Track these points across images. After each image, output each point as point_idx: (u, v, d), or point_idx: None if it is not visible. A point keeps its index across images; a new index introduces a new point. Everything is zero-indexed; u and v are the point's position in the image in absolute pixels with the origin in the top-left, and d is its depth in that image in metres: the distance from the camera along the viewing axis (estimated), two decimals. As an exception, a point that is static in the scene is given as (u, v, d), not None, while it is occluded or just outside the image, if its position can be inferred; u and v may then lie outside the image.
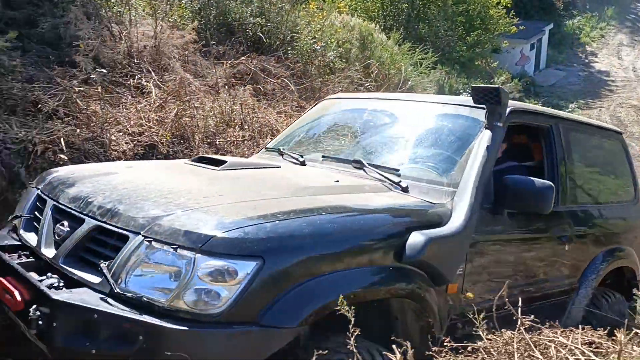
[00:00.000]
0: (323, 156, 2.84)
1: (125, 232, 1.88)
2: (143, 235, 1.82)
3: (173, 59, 5.39)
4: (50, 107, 3.86)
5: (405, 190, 2.42)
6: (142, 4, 6.03)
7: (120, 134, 4.07)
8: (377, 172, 2.53)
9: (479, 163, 2.44)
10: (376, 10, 13.64)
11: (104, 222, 1.97)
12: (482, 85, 2.76)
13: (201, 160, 2.69)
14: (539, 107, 3.40)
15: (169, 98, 4.71)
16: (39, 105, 3.87)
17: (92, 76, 4.23)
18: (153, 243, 1.78)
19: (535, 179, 2.46)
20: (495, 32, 16.12)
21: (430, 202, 2.34)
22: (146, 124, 4.28)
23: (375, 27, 9.50)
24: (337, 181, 2.45)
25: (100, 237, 1.98)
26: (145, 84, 4.82)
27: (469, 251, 2.35)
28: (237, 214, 1.85)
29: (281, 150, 3.00)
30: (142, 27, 5.50)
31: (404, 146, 2.82)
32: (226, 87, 5.46)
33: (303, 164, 2.79)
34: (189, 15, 6.50)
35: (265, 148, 3.35)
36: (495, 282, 2.52)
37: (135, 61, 5.04)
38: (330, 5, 9.37)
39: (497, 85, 2.58)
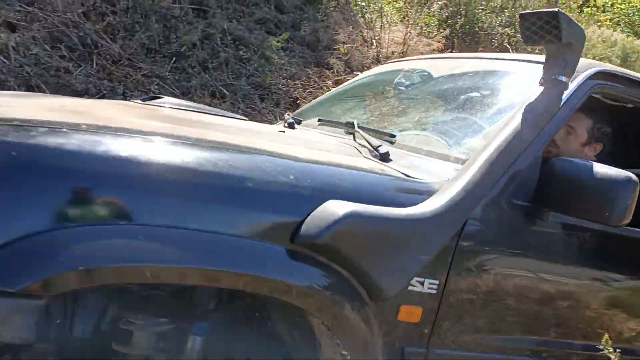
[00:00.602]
0: (319, 119, 2.32)
1: None
2: None
3: (417, 66, 5.39)
4: (307, 103, 4.17)
5: (383, 158, 1.65)
6: (393, 11, 6.19)
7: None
8: (363, 137, 1.82)
9: (506, 132, 1.60)
10: (645, 24, 11.76)
11: None
12: (535, 10, 1.73)
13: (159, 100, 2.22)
14: None
15: (410, 105, 4.71)
16: (298, 101, 4.23)
17: (347, 78, 4.45)
18: None
19: (600, 165, 1.55)
20: None
21: (408, 176, 1.52)
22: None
23: (644, 43, 8.16)
24: (283, 132, 1.91)
25: None
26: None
27: (462, 262, 1.51)
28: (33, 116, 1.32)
29: (285, 116, 2.54)
30: (392, 33, 5.63)
31: (421, 109, 2.16)
32: (466, 98, 5.24)
33: (291, 126, 2.22)
34: (435, 22, 6.46)
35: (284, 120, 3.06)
36: (513, 325, 1.65)
37: (382, 66, 5.17)
38: (588, 17, 8.38)
39: (556, 9, 1.58)
